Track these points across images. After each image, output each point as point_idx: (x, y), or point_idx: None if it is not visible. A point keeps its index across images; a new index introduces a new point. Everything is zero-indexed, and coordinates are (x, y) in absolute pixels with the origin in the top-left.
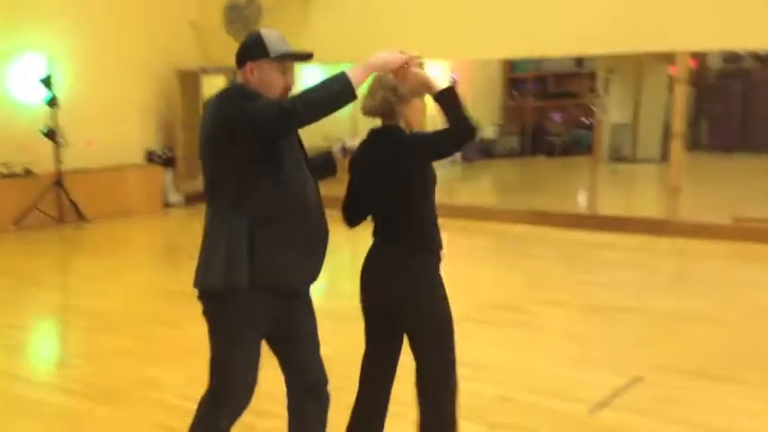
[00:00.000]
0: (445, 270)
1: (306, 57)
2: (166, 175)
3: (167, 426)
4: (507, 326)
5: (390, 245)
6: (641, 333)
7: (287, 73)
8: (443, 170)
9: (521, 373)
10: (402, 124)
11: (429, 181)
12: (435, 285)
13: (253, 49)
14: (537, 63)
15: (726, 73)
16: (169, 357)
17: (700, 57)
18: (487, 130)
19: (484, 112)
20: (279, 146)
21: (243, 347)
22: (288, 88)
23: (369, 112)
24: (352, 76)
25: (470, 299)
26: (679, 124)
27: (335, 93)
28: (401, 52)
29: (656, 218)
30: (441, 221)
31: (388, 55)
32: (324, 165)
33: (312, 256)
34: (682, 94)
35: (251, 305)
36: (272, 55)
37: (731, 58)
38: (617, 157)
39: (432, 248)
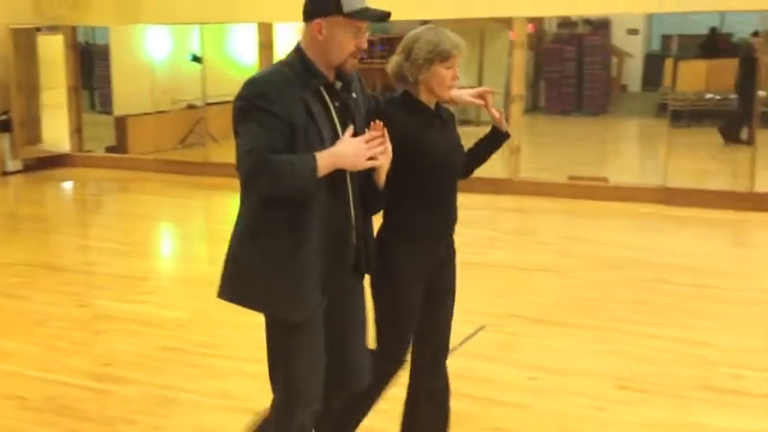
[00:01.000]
0: None
1: (384, 16)
2: (2, 141)
3: (19, 396)
4: None
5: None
6: (486, 286)
7: (360, 34)
8: None
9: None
10: (423, 94)
11: (417, 159)
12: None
13: (325, 2)
14: (385, 25)
15: (561, 37)
16: (17, 329)
17: (537, 22)
18: None
19: None
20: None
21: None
22: (358, 52)
23: (392, 77)
24: (320, 171)
25: None
26: (518, 87)
27: (300, 185)
28: (373, 134)
29: (498, 177)
30: None
31: (354, 153)
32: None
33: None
34: (520, 58)
35: None
36: (346, 11)
37: (565, 23)
38: (463, 119)
39: (406, 232)
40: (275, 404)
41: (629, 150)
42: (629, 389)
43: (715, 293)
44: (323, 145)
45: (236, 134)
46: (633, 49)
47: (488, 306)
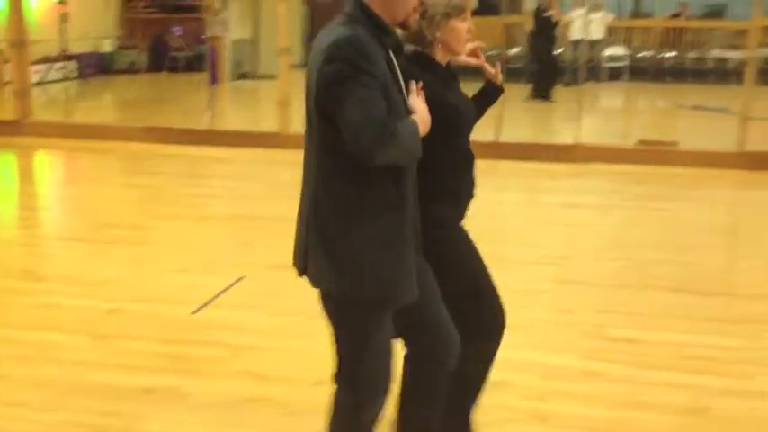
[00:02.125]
0: (62, 193)
1: None
2: None
3: None
4: (120, 243)
5: None
6: (247, 237)
7: None
8: (56, 87)
9: (130, 285)
10: (439, 53)
11: (449, 119)
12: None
13: None
14: None
15: None
16: None
17: None
18: (105, 44)
19: (99, 24)
20: None
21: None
22: (420, 5)
23: (407, 38)
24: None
25: (85, 219)
26: (284, 40)
27: (418, 148)
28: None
29: (269, 131)
30: (49, 142)
31: (426, 119)
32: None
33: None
34: (284, 12)
35: None
36: None
37: None
38: (240, 73)
39: (447, 195)
40: (341, 404)
41: None
42: None
43: None
44: (403, 108)
45: (333, 102)
46: None
47: (251, 257)
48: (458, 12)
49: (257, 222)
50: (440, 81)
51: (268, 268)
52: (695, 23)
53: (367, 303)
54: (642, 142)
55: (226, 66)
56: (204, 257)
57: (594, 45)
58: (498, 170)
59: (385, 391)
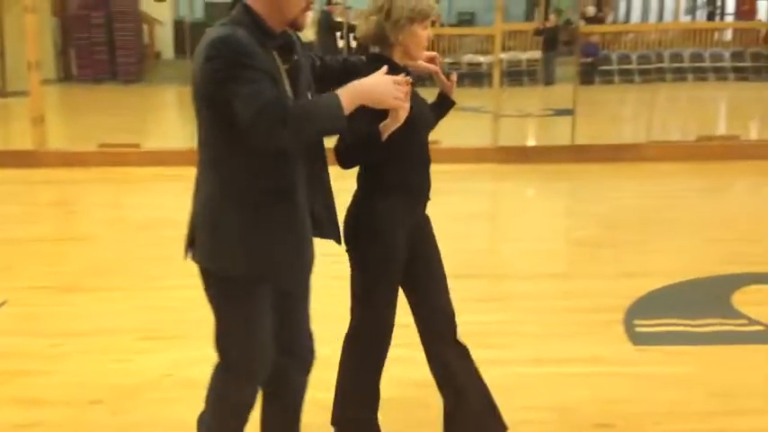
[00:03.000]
0: None
1: None
2: None
3: None
4: None
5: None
6: (6, 261)
7: None
8: None
9: None
10: (397, 56)
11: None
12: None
13: None
14: None
15: (87, 3)
16: None
17: None
18: None
19: None
20: None
21: None
22: (309, 5)
23: (363, 38)
24: (345, 106)
25: None
26: (33, 54)
27: (328, 128)
28: (399, 80)
29: (25, 149)
30: None
31: (384, 89)
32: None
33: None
34: (33, 23)
35: None
36: None
37: None
38: None
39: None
40: (215, 382)
41: (164, 117)
42: (152, 338)
43: None
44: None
45: (219, 99)
46: (162, 16)
47: (12, 281)
48: (422, 18)
49: (15, 245)
50: None
51: (31, 291)
52: (449, 30)
53: (240, 282)
54: None
55: None
56: None
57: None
58: None
59: (257, 377)
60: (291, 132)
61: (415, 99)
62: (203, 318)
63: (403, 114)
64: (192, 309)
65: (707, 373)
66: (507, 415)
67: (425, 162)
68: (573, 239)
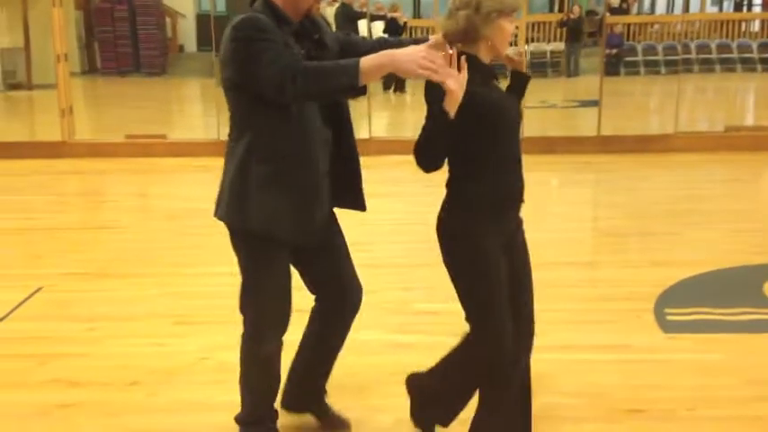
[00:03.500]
0: None
1: None
2: None
3: None
4: None
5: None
6: (37, 250)
7: None
8: None
9: None
10: (483, 51)
11: (495, 120)
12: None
13: None
14: None
15: None
16: None
17: None
18: None
19: None
20: None
21: None
22: None
23: (452, 35)
24: (366, 70)
25: None
26: (60, 47)
27: (339, 86)
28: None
29: (53, 141)
30: None
31: (410, 57)
32: None
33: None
34: (60, 16)
35: None
36: None
37: None
38: (12, 83)
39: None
40: (243, 335)
41: (188, 109)
42: (185, 323)
43: None
44: None
45: (244, 72)
46: (185, 9)
47: (46, 268)
48: (510, 10)
49: (46, 234)
50: (485, 80)
51: (64, 277)
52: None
53: (254, 236)
54: None
55: None
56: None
57: None
58: None
59: (277, 329)
60: (311, 81)
61: (499, 94)
62: (234, 305)
63: (453, 85)
64: (223, 295)
65: (740, 361)
66: (537, 400)
67: (520, 163)
68: (600, 229)
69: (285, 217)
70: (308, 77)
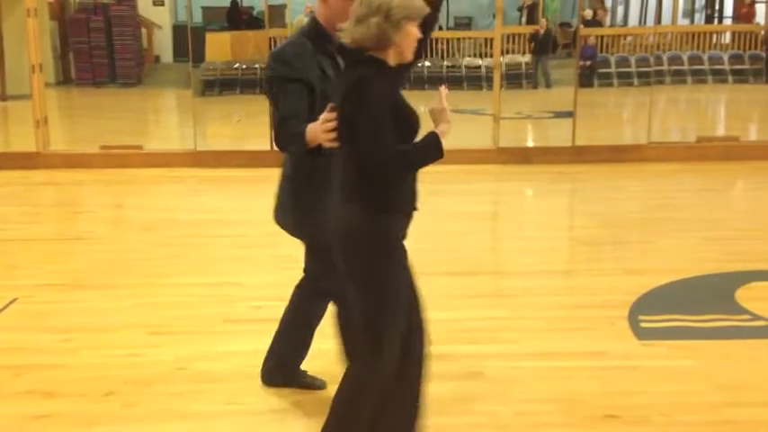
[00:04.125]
0: None
1: None
2: None
3: None
4: None
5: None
6: (19, 259)
7: (351, 2)
8: None
9: None
10: (391, 57)
11: (405, 126)
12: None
13: None
14: None
15: (86, 7)
16: None
17: None
18: None
19: None
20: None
21: None
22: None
23: (362, 41)
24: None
25: None
26: (35, 58)
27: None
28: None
29: (27, 151)
30: None
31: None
32: None
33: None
34: (35, 28)
35: None
36: None
37: None
38: None
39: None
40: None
41: (164, 120)
42: (161, 333)
43: (238, 240)
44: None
45: (273, 99)
46: (161, 20)
47: (21, 279)
48: (417, 16)
49: (21, 245)
50: (395, 87)
51: (39, 288)
52: (449, 34)
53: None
54: None
55: None
56: None
57: None
58: None
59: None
60: (284, 145)
61: (401, 100)
62: (210, 314)
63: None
64: (198, 305)
65: (712, 367)
66: (513, 406)
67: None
68: (575, 238)
69: (318, 220)
70: (289, 137)
